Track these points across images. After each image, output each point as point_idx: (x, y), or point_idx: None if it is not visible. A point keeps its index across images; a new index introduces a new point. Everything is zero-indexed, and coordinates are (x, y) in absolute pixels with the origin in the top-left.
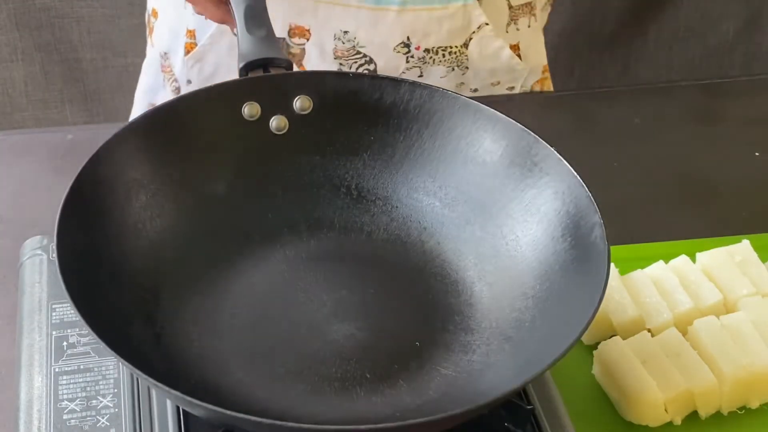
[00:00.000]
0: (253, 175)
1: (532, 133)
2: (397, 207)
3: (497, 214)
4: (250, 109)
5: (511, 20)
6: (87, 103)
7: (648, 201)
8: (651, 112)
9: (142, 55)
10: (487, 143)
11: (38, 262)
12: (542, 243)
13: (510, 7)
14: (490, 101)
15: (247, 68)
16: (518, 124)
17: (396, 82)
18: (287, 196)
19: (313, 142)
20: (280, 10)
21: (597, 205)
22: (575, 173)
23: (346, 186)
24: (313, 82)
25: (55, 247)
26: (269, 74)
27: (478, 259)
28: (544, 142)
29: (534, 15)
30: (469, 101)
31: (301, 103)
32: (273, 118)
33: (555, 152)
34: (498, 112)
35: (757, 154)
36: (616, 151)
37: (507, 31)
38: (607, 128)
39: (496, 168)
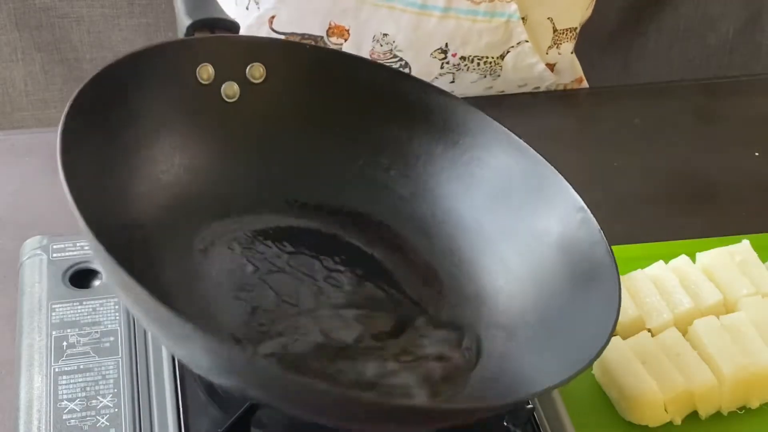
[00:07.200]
0: (199, 139)
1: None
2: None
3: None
4: (204, 72)
5: (554, 44)
6: None
7: (648, 201)
8: (651, 112)
9: None
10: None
11: (38, 262)
12: (548, 268)
13: (554, 30)
14: (487, 103)
15: (194, 28)
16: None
17: (365, 62)
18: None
19: (263, 114)
20: (322, 8)
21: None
22: (580, 200)
23: (294, 165)
24: (272, 50)
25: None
26: (226, 35)
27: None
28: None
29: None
30: (448, 93)
31: (255, 71)
32: (225, 83)
33: (560, 177)
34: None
35: (757, 154)
36: (616, 151)
37: (547, 53)
38: (607, 128)
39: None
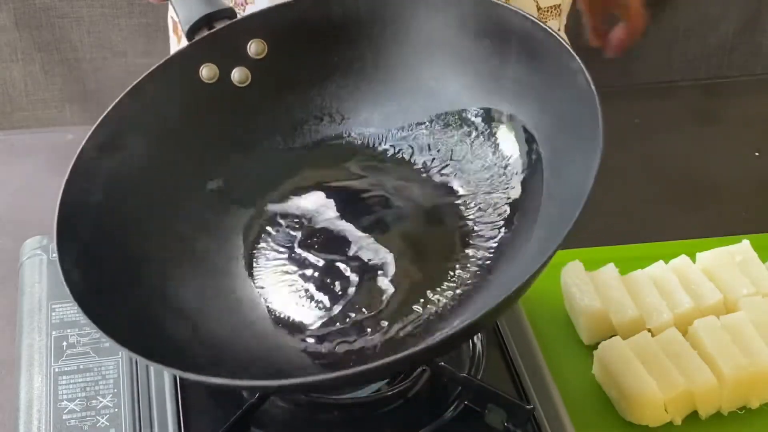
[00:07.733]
0: (232, 136)
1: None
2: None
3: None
4: (207, 72)
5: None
6: (87, 103)
7: (648, 201)
8: (651, 112)
9: (142, 55)
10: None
11: (38, 262)
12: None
13: (538, 8)
14: None
15: (192, 31)
16: None
17: None
18: (275, 144)
19: (280, 81)
20: None
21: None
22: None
23: (328, 113)
24: (258, 23)
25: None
26: (213, 31)
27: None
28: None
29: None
30: None
31: (255, 48)
32: (233, 71)
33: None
34: None
35: (757, 154)
36: (616, 151)
37: None
38: (607, 128)
39: (468, 45)
